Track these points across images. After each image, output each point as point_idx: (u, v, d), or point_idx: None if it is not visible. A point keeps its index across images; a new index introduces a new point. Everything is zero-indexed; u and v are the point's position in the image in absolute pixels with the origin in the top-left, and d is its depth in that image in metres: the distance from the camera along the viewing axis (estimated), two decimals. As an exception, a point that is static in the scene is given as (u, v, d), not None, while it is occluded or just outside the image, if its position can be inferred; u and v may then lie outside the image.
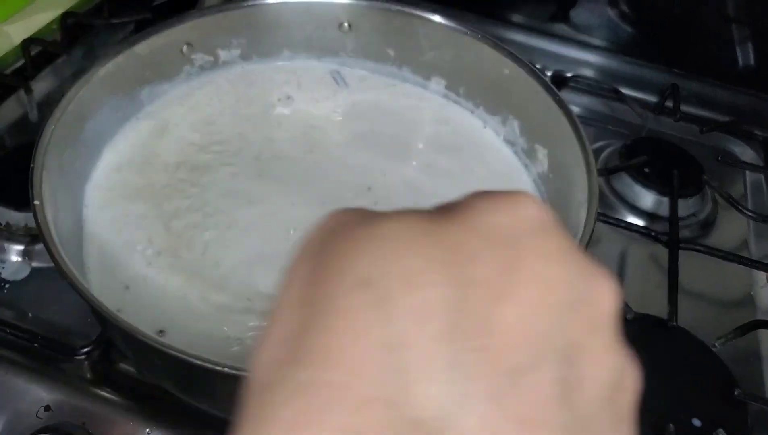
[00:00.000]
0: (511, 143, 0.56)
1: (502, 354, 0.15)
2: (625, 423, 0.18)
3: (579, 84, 0.79)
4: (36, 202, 0.40)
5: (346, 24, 0.58)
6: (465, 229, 0.16)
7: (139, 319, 0.40)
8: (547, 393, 0.15)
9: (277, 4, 0.57)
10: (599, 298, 0.17)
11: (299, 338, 0.15)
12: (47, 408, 0.45)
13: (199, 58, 0.57)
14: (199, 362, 0.33)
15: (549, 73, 0.81)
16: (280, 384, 0.15)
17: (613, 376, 0.17)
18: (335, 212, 0.18)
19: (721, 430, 0.48)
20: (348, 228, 0.17)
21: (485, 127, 0.58)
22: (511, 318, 0.15)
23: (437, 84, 0.59)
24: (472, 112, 0.59)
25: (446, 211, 0.17)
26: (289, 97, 0.59)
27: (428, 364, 0.15)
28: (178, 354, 0.34)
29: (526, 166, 0.55)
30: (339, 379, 0.15)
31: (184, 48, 0.56)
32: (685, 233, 0.64)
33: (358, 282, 0.15)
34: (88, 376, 0.47)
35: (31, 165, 0.42)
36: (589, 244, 0.41)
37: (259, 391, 0.16)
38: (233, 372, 0.33)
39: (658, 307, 0.55)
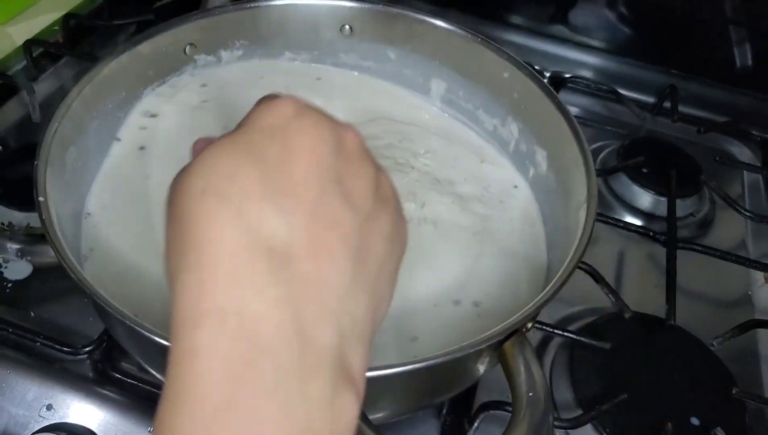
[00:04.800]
0: (509, 144, 0.57)
1: (302, 192, 0.25)
2: (390, 201, 0.29)
3: (577, 85, 0.79)
4: (41, 199, 0.40)
5: (347, 27, 0.58)
6: (251, 133, 0.26)
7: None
8: (337, 203, 0.25)
9: (279, 6, 0.57)
10: (346, 141, 0.27)
11: (184, 237, 0.24)
12: (49, 407, 0.45)
13: (202, 58, 0.58)
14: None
15: (547, 74, 0.81)
16: (181, 269, 0.24)
17: (371, 178, 0.28)
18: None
19: (719, 428, 0.48)
20: (185, 170, 0.26)
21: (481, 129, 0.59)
22: (298, 170, 0.25)
23: (437, 87, 0.60)
24: (471, 114, 0.59)
25: (239, 124, 0.27)
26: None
27: (261, 213, 0.24)
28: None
29: (523, 167, 0.56)
30: (215, 250, 0.24)
31: (187, 48, 0.56)
32: (683, 233, 0.64)
33: (199, 192, 0.25)
34: (90, 374, 0.47)
35: (36, 161, 0.41)
36: (588, 244, 0.41)
37: (171, 278, 0.25)
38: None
39: (656, 307, 0.55)
